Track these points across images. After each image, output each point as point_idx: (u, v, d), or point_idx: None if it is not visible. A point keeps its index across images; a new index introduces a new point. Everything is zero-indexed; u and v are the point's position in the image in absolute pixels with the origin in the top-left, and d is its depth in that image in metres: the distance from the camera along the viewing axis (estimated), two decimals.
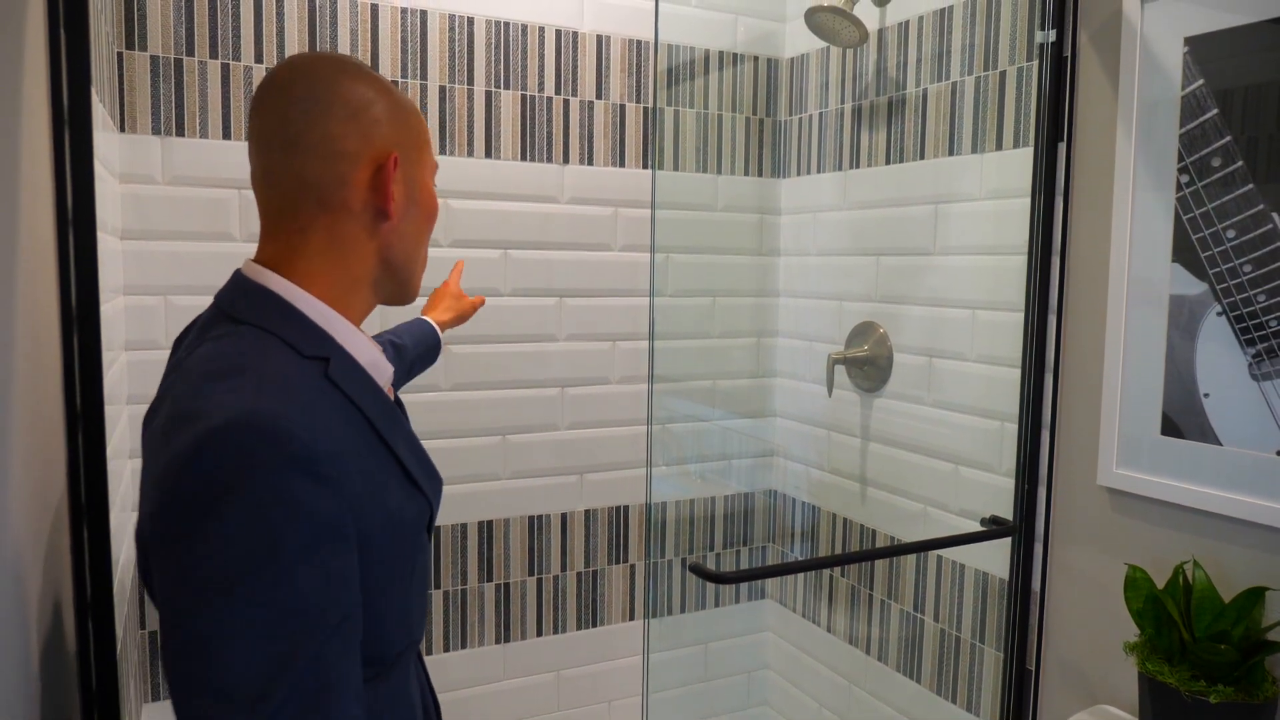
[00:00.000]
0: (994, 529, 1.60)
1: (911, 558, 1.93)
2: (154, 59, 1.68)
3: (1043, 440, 1.64)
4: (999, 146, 1.70)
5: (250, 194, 1.77)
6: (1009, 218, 1.68)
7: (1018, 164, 1.66)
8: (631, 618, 2.23)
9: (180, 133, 1.71)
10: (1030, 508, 1.65)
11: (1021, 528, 1.63)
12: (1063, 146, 1.58)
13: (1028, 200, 1.64)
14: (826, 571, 2.20)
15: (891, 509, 1.98)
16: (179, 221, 1.73)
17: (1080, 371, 1.57)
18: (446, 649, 2.03)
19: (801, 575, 2.28)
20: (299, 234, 0.81)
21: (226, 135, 1.74)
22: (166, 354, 1.74)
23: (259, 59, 1.75)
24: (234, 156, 1.75)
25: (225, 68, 1.73)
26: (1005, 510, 1.70)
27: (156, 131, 1.69)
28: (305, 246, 0.81)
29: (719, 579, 1.31)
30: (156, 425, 0.74)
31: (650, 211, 2.12)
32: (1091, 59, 1.54)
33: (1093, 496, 1.56)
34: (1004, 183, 1.69)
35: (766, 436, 2.35)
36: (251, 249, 1.78)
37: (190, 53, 1.70)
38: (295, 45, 1.77)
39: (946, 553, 1.84)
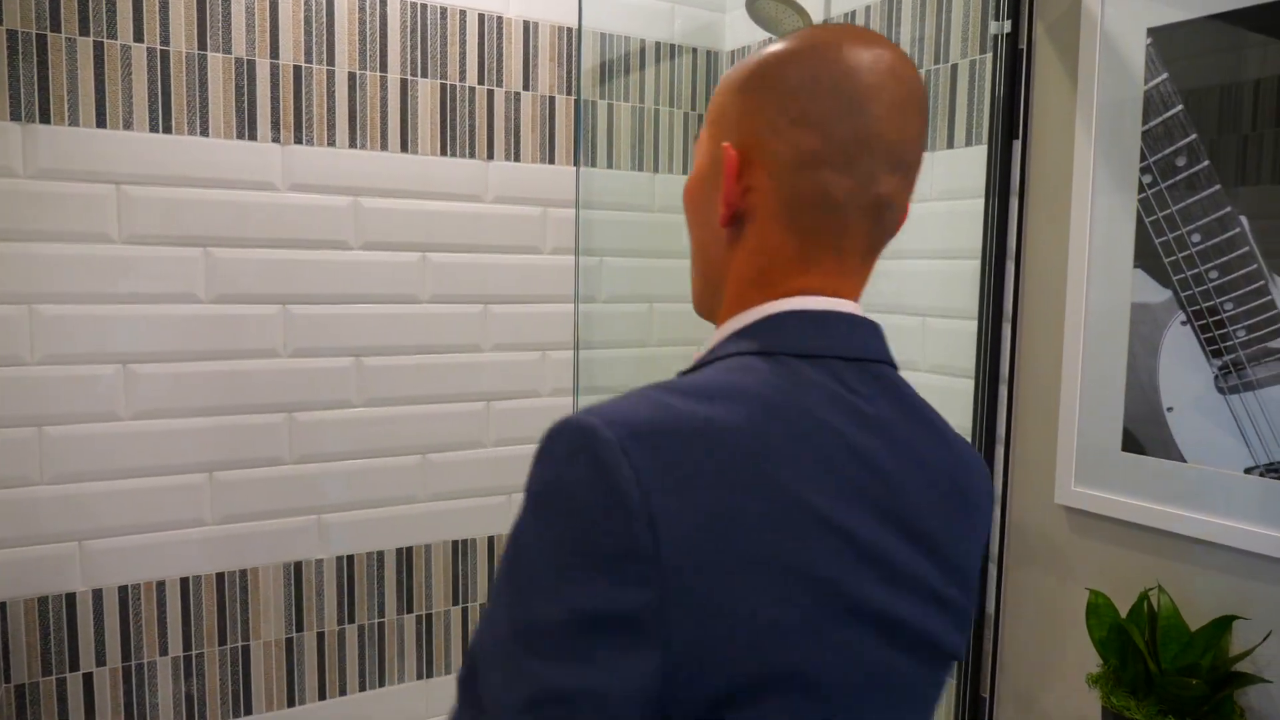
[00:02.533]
0: None
1: None
2: (11, 34, 1.48)
3: (997, 455, 1.54)
4: (951, 144, 1.60)
5: (132, 190, 1.58)
6: (962, 220, 1.58)
7: (971, 163, 1.56)
8: None
9: (45, 119, 1.52)
10: None
11: None
12: (1018, 144, 1.49)
13: (981, 201, 1.54)
14: None
15: None
16: (45, 220, 1.53)
17: (1036, 383, 1.48)
18: (362, 688, 1.86)
19: None
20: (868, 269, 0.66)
21: (101, 123, 1.55)
22: (29, 369, 1.54)
23: (138, 37, 1.56)
24: (110, 147, 1.56)
25: (99, 45, 1.54)
26: None
27: (16, 118, 1.50)
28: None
29: None
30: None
31: (575, 211, 1.98)
32: (1049, 52, 1.45)
33: (1050, 516, 1.47)
34: (956, 183, 1.59)
35: None
36: (133, 251, 1.59)
37: (56, 28, 1.51)
38: (181, 23, 1.59)
39: None
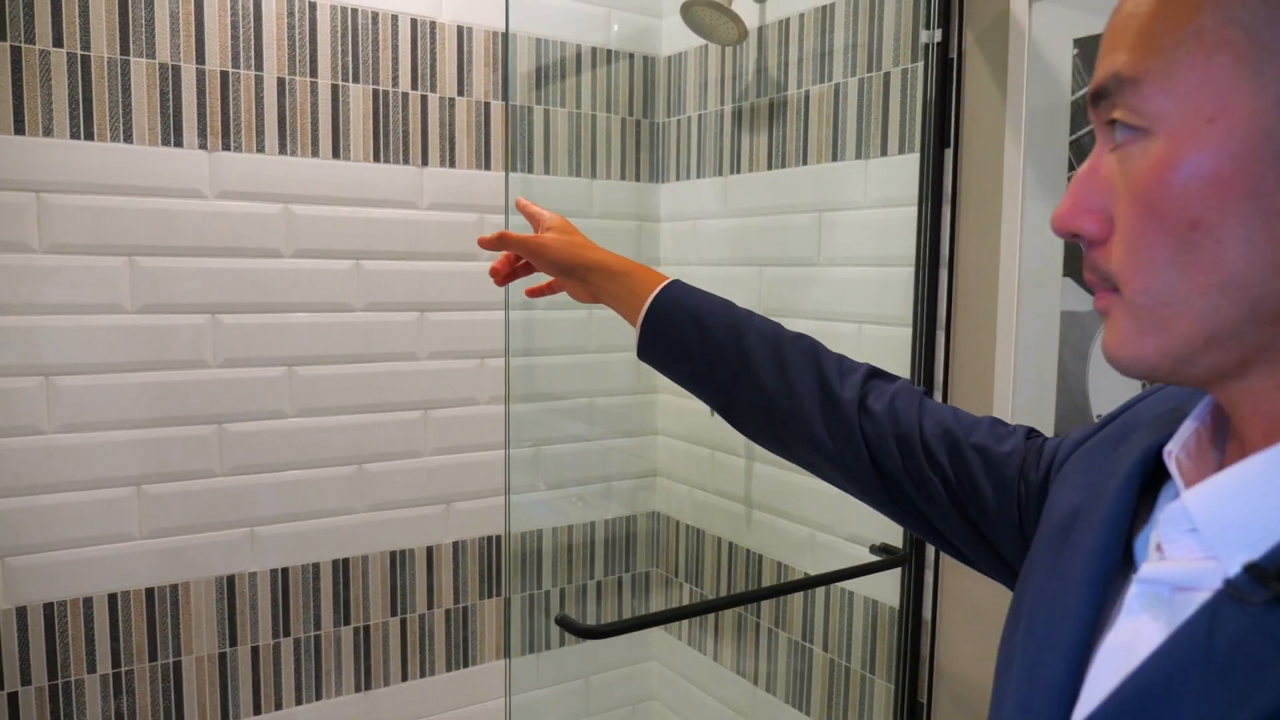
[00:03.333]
0: (883, 559, 1.52)
1: (799, 578, 1.83)
2: None
3: None
4: (884, 152, 1.61)
5: (53, 199, 1.53)
6: (895, 227, 1.60)
7: (904, 171, 1.58)
8: (507, 654, 2.07)
9: None
10: None
11: (911, 556, 1.55)
12: (949, 153, 1.51)
13: (913, 209, 1.56)
14: (712, 597, 2.08)
15: (778, 534, 1.88)
16: None
17: (970, 390, 1.50)
18: (299, 701, 1.83)
19: (688, 600, 2.17)
20: None
21: (20, 130, 1.50)
22: None
23: (58, 42, 1.52)
24: (29, 154, 1.51)
25: (16, 50, 1.49)
26: (894, 536, 1.62)
27: None
28: None
29: (590, 633, 1.17)
30: None
31: (504, 218, 1.96)
32: (978, 61, 1.46)
33: None
34: (890, 190, 1.61)
35: (648, 456, 2.23)
36: (56, 261, 1.54)
37: None
38: (103, 27, 1.55)
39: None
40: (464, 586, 1.99)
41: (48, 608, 1.59)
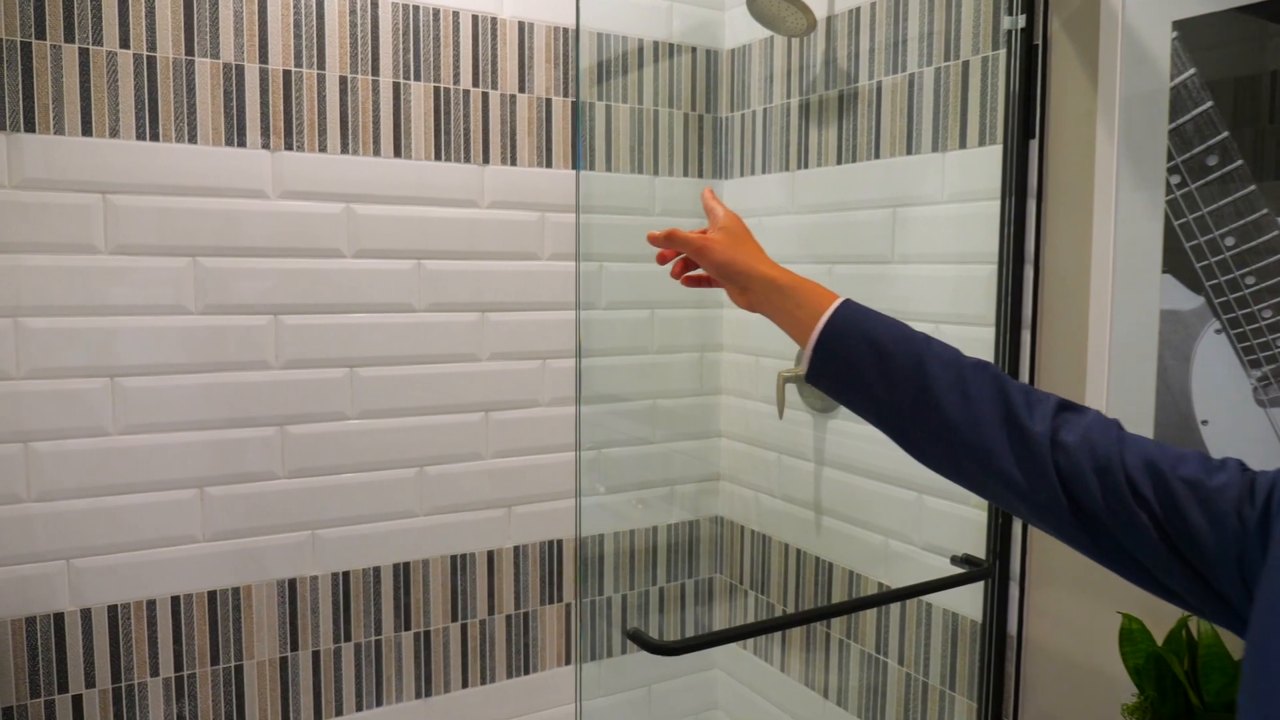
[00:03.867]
0: (967, 571, 1.44)
1: (872, 590, 1.77)
2: None
3: None
4: (963, 145, 1.54)
5: (119, 200, 1.53)
6: (975, 223, 1.52)
7: (984, 164, 1.50)
8: (567, 662, 2.03)
9: (30, 128, 1.47)
10: (1005, 545, 1.50)
11: (996, 569, 1.48)
12: (1034, 144, 1.43)
13: (995, 203, 1.48)
14: (780, 606, 2.02)
15: (850, 541, 1.81)
16: (30, 231, 1.48)
17: (1059, 392, 1.42)
18: (359, 707, 1.81)
19: (753, 608, 2.11)
20: None
21: (87, 131, 1.50)
22: (15, 384, 1.49)
23: (124, 43, 1.51)
24: (96, 155, 1.51)
25: (84, 52, 1.49)
26: (976, 546, 1.54)
27: (1, 127, 1.45)
28: None
29: (663, 649, 1.13)
30: None
31: (575, 216, 1.92)
32: (1066, 47, 1.39)
33: None
34: (969, 184, 1.53)
35: (710, 459, 2.18)
36: (121, 262, 1.54)
37: (41, 35, 1.46)
38: (168, 28, 1.54)
39: (907, 584, 1.68)
40: (525, 592, 1.96)
41: (111, 610, 1.59)
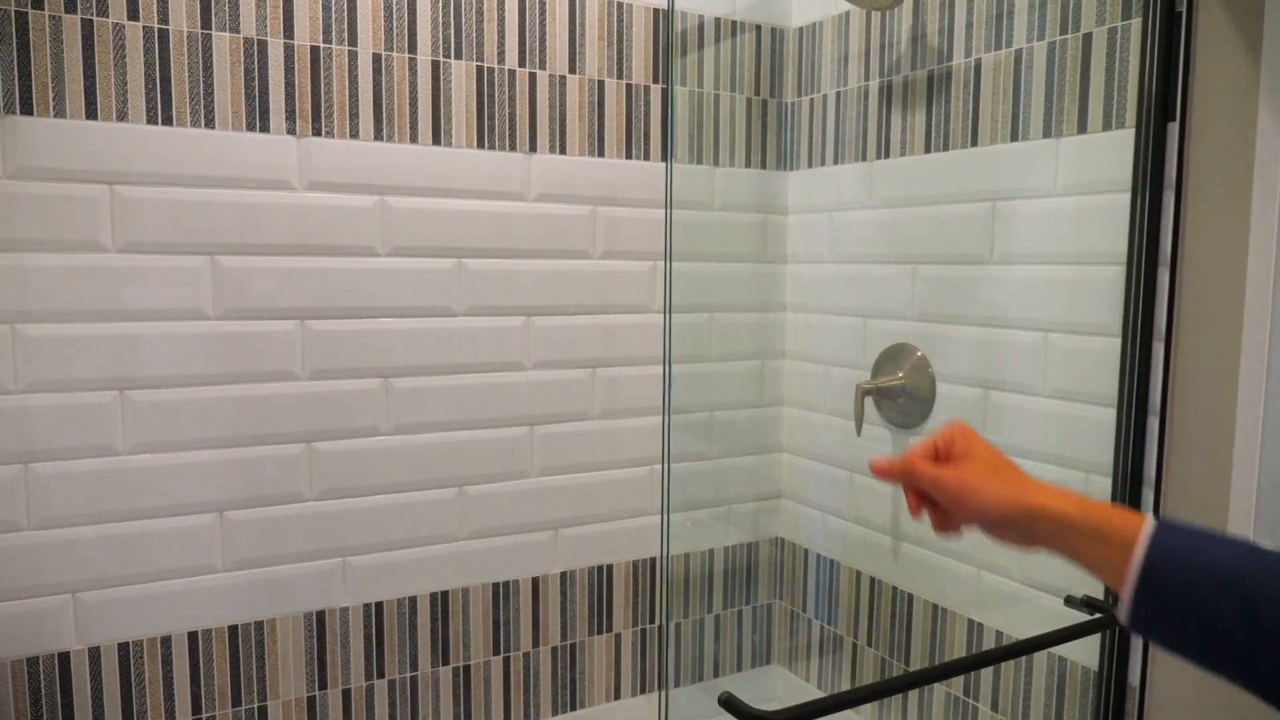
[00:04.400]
0: (1093, 619, 1.26)
1: (961, 628, 1.59)
2: None
3: (1144, 500, 1.30)
4: (1082, 129, 1.35)
5: (127, 191, 1.36)
6: (1096, 218, 1.34)
7: (1109, 151, 1.32)
8: (617, 696, 1.86)
9: (27, 110, 1.30)
10: None
11: None
12: (1174, 127, 1.24)
13: (1123, 196, 1.30)
14: (849, 638, 1.85)
15: (935, 572, 1.63)
16: (28, 227, 1.32)
17: (1199, 415, 1.23)
18: None
19: (818, 638, 1.93)
20: None
21: (91, 114, 1.34)
22: (12, 398, 1.33)
23: (133, 14, 1.35)
24: (101, 141, 1.34)
25: (87, 24, 1.32)
26: (1093, 585, 1.36)
27: None
28: None
29: (759, 718, 0.95)
30: None
31: (666, 211, 1.75)
32: (1217, 14, 1.20)
33: None
34: (1088, 174, 1.35)
35: (771, 476, 2.00)
36: (130, 261, 1.37)
37: (38, 5, 1.29)
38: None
39: (1008, 627, 1.50)
40: (571, 622, 1.79)
41: (123, 648, 1.43)
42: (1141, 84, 1.26)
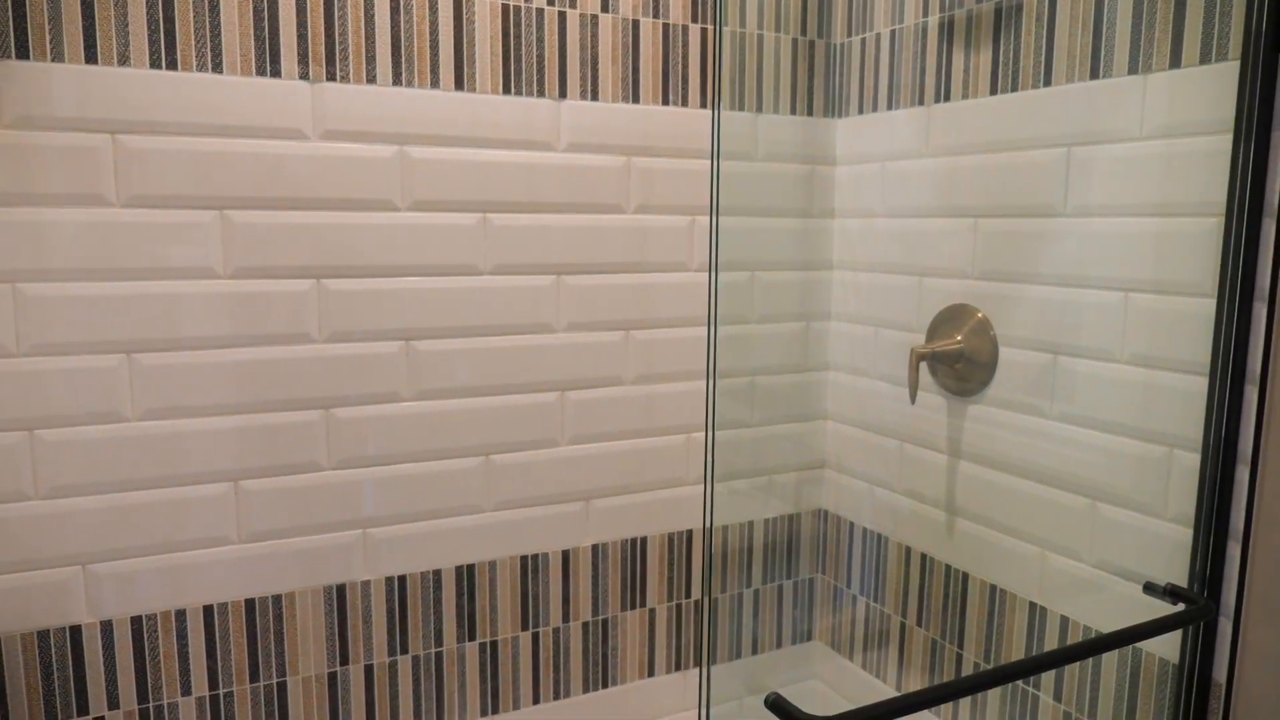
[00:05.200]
0: (1180, 612, 1.14)
1: (1022, 613, 1.48)
2: None
3: (1239, 478, 1.17)
4: (1175, 63, 1.21)
5: (131, 141, 1.27)
6: (1190, 164, 1.20)
7: (1207, 87, 1.17)
8: (651, 673, 1.78)
9: (23, 55, 1.21)
10: (1217, 572, 1.19)
11: (1210, 604, 1.17)
12: None
13: (1224, 138, 1.15)
14: (896, 617, 1.74)
15: (992, 550, 1.52)
16: (26, 180, 1.24)
17: None
18: None
19: (863, 615, 1.83)
20: None
21: (91, 59, 1.25)
22: (15, 361, 1.26)
23: None
24: (102, 87, 1.25)
25: None
26: (1168, 569, 1.24)
27: None
28: None
29: None
30: None
31: (713, 163, 1.63)
32: None
33: None
34: (1182, 114, 1.20)
35: (815, 445, 1.89)
36: (135, 216, 1.29)
37: None
38: None
39: (1077, 613, 1.39)
40: (603, 597, 1.71)
41: (135, 621, 1.37)
42: (1249, 7, 1.11)
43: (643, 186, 1.63)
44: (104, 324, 1.30)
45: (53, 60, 1.23)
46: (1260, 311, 1.13)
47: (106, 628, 1.36)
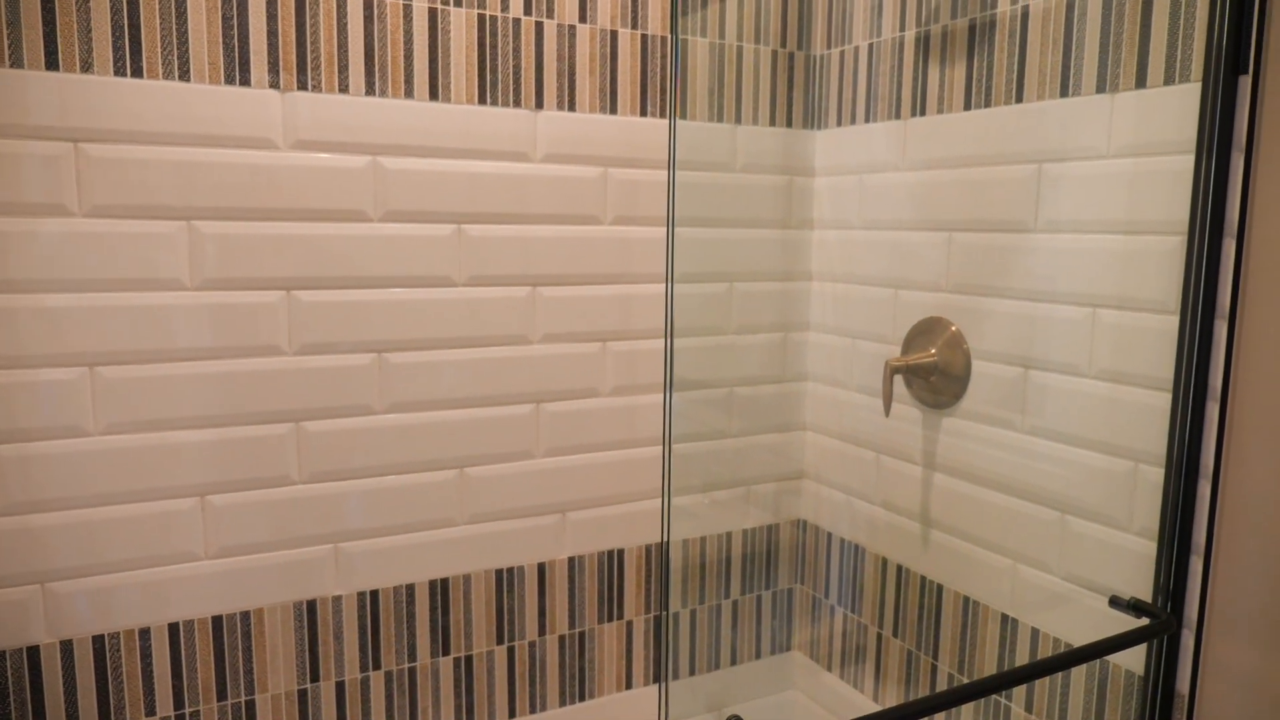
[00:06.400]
0: (1143, 627, 1.15)
1: (994, 624, 1.49)
2: None
3: (1201, 493, 1.18)
4: (1141, 83, 1.22)
5: (94, 150, 1.26)
6: (1155, 182, 1.21)
7: (1171, 107, 1.18)
8: (628, 685, 1.77)
9: None
10: (1180, 585, 1.20)
11: (1173, 618, 1.18)
12: (1245, 81, 1.11)
13: (1186, 158, 1.16)
14: (874, 628, 1.75)
15: (965, 561, 1.53)
16: None
17: (1267, 402, 1.11)
18: None
19: (840, 625, 1.84)
20: None
21: (52, 65, 1.23)
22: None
23: None
24: (64, 94, 1.24)
25: None
26: (1134, 581, 1.25)
27: None
28: None
29: None
30: None
31: (669, 173, 1.63)
32: None
33: None
34: (1147, 134, 1.21)
35: (794, 455, 1.89)
36: (99, 226, 1.27)
37: None
38: None
39: (1046, 625, 1.40)
40: (580, 609, 1.70)
41: (98, 640, 1.35)
42: (1210, 32, 1.13)
43: (620, 197, 1.63)
44: (65, 336, 1.28)
45: (11, 66, 1.21)
46: (1221, 329, 1.15)
47: (67, 648, 1.33)
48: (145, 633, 1.37)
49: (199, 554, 1.39)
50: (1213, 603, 1.19)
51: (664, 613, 1.76)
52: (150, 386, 1.33)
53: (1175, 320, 1.19)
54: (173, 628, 1.39)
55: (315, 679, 1.49)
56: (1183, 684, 1.22)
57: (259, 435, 1.40)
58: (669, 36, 1.64)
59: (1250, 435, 1.13)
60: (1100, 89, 1.27)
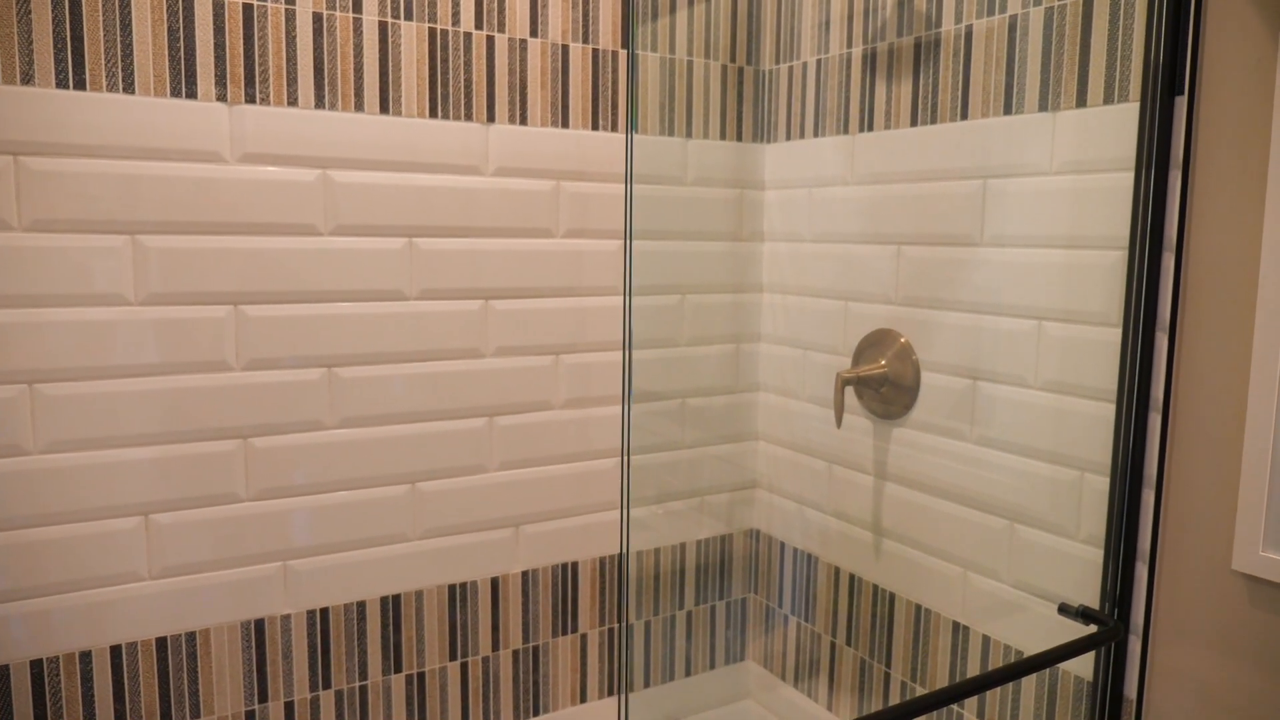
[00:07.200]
0: (1092, 634, 1.18)
1: (946, 632, 1.51)
2: None
3: (1144, 502, 1.21)
4: (1081, 102, 1.25)
5: (35, 163, 1.23)
6: (1096, 198, 1.24)
7: (1111, 126, 1.22)
8: (583, 699, 1.77)
9: None
10: (1127, 592, 1.23)
11: (1120, 626, 1.21)
12: (1182, 102, 1.14)
13: (1126, 175, 1.20)
14: (827, 637, 1.76)
15: (917, 569, 1.55)
16: None
17: (1207, 413, 1.15)
18: None
19: (794, 635, 1.85)
20: None
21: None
22: None
23: None
24: (5, 107, 1.21)
25: None
26: (1081, 588, 1.28)
27: None
28: None
29: None
30: None
31: (626, 187, 1.63)
32: None
33: (1222, 585, 1.14)
34: (1087, 151, 1.25)
35: (747, 465, 1.90)
36: (39, 241, 1.24)
37: None
38: None
39: (997, 633, 1.42)
40: (534, 623, 1.69)
41: (35, 665, 1.31)
42: (1147, 54, 1.16)
43: (573, 211, 1.63)
44: (3, 352, 1.24)
45: None
46: (1162, 341, 1.18)
47: (3, 673, 1.29)
48: (86, 656, 1.33)
49: (143, 574, 1.36)
50: (1158, 609, 1.22)
51: (622, 624, 1.76)
52: (92, 403, 1.30)
53: (1118, 333, 1.22)
54: (115, 650, 1.35)
55: (264, 699, 1.47)
56: (1130, 689, 1.25)
57: (205, 452, 1.38)
58: (621, 51, 1.64)
59: (1191, 444, 1.17)
60: (1043, 107, 1.30)
